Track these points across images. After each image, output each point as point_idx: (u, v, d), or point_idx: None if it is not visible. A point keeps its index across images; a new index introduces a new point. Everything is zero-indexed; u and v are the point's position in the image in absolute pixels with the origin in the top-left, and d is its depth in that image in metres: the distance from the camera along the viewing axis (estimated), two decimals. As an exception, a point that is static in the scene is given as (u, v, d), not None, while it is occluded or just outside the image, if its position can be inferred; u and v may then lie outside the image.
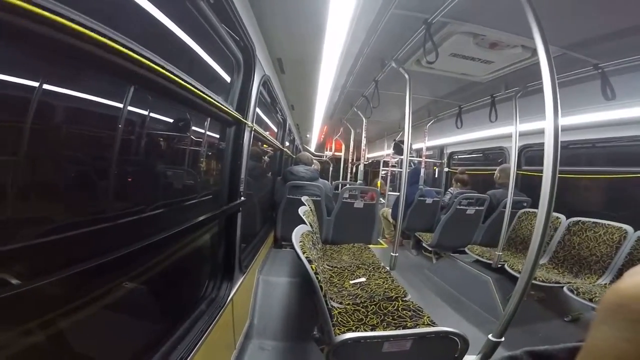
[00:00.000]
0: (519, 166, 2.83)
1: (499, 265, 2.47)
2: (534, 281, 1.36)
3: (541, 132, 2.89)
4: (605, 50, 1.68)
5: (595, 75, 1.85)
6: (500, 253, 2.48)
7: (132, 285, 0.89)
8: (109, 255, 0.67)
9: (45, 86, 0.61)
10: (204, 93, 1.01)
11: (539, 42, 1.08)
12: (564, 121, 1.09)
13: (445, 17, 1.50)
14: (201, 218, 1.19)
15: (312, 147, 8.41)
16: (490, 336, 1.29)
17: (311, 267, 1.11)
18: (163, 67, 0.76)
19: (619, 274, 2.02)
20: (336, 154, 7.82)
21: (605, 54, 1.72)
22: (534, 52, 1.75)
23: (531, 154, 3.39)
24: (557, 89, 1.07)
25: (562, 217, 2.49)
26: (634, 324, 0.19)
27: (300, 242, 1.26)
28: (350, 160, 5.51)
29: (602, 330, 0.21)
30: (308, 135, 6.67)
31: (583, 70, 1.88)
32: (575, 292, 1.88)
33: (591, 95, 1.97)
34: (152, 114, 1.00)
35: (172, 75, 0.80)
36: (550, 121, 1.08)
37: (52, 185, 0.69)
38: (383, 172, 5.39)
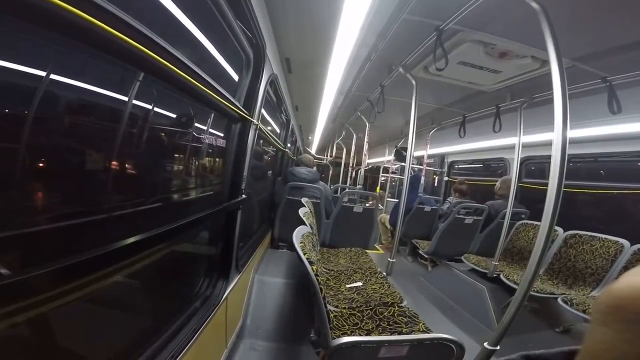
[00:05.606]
0: (519, 178, 2.83)
1: (495, 275, 2.48)
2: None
3: (543, 145, 2.88)
4: (613, 64, 1.68)
5: (602, 89, 1.84)
6: (497, 263, 2.49)
7: (126, 280, 0.86)
8: (103, 249, 0.65)
9: (52, 76, 0.59)
10: (213, 87, 1.00)
11: (552, 54, 1.08)
12: (569, 134, 1.09)
13: (458, 24, 1.50)
14: (201, 214, 1.17)
15: (313, 150, 8.41)
16: (485, 344, 1.29)
17: (312, 268, 1.10)
18: (175, 57, 0.75)
19: None
20: (336, 158, 7.83)
21: (613, 67, 1.71)
22: (543, 63, 1.75)
23: (531, 167, 3.41)
24: (568, 101, 1.07)
25: (560, 229, 2.50)
26: (632, 325, 0.19)
27: (301, 243, 1.25)
28: (350, 165, 5.50)
29: (599, 332, 0.21)
30: (310, 138, 6.67)
31: (591, 82, 1.87)
32: (569, 303, 1.89)
33: (597, 109, 1.97)
34: (156, 108, 0.98)
35: (182, 66, 0.79)
36: (559, 133, 1.07)
37: (45, 175, 0.66)
38: (383, 178, 5.39)
